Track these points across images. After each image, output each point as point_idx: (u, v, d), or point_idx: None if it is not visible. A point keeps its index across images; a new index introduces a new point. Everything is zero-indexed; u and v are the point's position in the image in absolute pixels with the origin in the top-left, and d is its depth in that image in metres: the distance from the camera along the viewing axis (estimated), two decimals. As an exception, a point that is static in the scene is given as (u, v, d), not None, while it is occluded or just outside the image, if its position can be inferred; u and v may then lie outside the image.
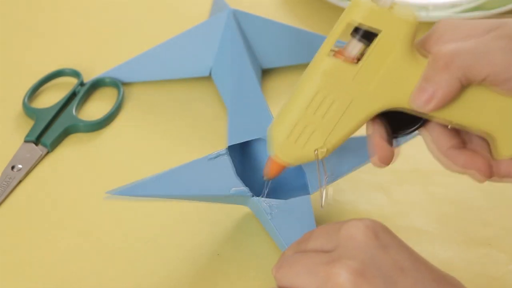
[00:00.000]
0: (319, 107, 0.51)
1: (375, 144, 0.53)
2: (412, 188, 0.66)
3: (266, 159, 0.60)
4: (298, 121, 0.52)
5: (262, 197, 0.59)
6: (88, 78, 0.76)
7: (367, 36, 0.50)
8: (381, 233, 0.47)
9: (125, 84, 0.75)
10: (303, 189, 0.60)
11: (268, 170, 0.55)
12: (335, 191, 0.65)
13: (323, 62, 0.51)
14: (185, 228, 0.63)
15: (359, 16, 0.49)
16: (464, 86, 0.49)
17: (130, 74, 0.76)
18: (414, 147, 0.67)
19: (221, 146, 0.68)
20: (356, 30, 0.50)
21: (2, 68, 0.78)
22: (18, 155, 0.68)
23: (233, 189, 0.58)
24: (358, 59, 0.50)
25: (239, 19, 0.75)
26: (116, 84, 0.75)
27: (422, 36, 0.52)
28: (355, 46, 0.50)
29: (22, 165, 0.67)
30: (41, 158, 0.68)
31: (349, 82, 0.50)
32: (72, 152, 0.70)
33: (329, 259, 0.46)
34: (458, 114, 0.51)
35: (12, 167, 0.67)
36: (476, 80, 0.49)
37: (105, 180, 0.67)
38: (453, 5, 0.83)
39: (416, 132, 0.54)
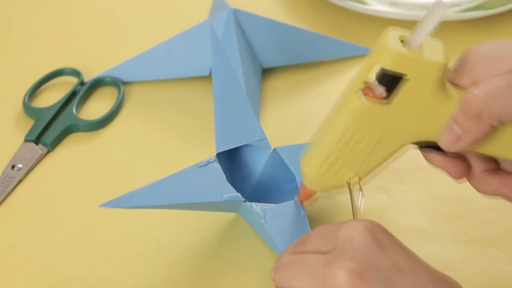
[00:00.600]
0: (349, 141, 0.52)
1: (443, 163, 0.52)
2: (412, 187, 0.66)
3: (257, 163, 0.62)
4: (329, 155, 0.52)
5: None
6: (88, 77, 0.76)
7: (394, 79, 0.49)
8: (379, 234, 0.47)
9: (125, 83, 0.75)
10: (294, 192, 0.60)
11: (303, 195, 0.57)
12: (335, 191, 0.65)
13: (352, 102, 0.51)
14: (185, 228, 0.63)
15: (386, 63, 0.49)
16: (495, 128, 0.49)
17: (130, 74, 0.76)
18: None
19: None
20: (382, 73, 0.49)
21: (2, 68, 0.78)
22: (18, 154, 0.68)
23: (226, 195, 0.58)
24: (391, 99, 0.50)
25: (239, 18, 0.75)
26: (116, 83, 0.75)
27: (453, 66, 0.51)
28: (382, 88, 0.50)
29: (22, 164, 0.67)
30: (41, 157, 0.68)
31: (379, 119, 0.51)
32: (73, 151, 0.70)
33: (327, 260, 0.46)
34: (488, 148, 0.51)
35: (12, 167, 0.67)
36: (509, 122, 0.48)
37: (105, 179, 0.67)
38: (453, 5, 0.83)
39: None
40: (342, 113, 0.51)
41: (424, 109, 0.50)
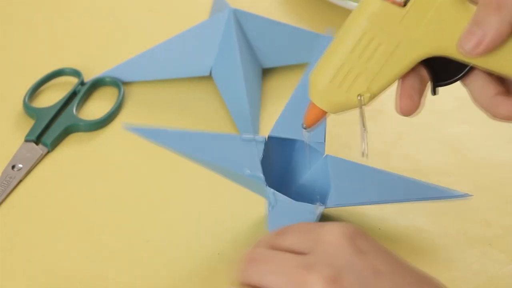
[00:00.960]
0: (364, 50, 0.50)
1: (403, 93, 0.51)
2: (412, 188, 0.66)
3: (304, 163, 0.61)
4: (342, 65, 0.50)
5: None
6: (88, 77, 0.76)
7: None
8: (357, 239, 0.47)
9: (125, 83, 0.75)
10: (322, 199, 0.59)
11: (308, 117, 0.53)
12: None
13: (370, 4, 0.49)
14: (185, 228, 0.63)
15: None
16: None
17: (130, 74, 0.76)
18: (414, 147, 0.67)
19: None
20: None
21: (2, 68, 0.78)
22: (19, 154, 0.68)
23: (248, 171, 0.58)
24: (406, 2, 0.49)
25: (239, 18, 0.75)
26: (117, 83, 0.75)
27: None
28: None
29: (22, 164, 0.67)
30: (42, 157, 0.68)
31: (396, 25, 0.49)
32: (73, 151, 0.70)
33: (304, 264, 0.45)
34: (505, 63, 0.50)
35: (13, 167, 0.67)
36: None
37: (105, 179, 0.67)
38: None
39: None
40: (359, 18, 0.50)
41: (442, 16, 0.49)
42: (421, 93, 0.52)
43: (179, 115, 0.73)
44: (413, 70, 0.51)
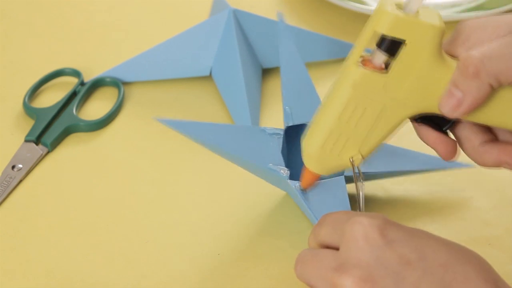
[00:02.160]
0: (351, 116, 0.51)
1: (435, 141, 0.52)
2: (412, 188, 0.66)
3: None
4: (331, 132, 0.52)
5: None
6: (88, 77, 0.76)
7: (394, 44, 0.49)
8: (383, 229, 0.47)
9: (125, 83, 0.75)
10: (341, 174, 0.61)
11: (304, 180, 0.56)
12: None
13: (352, 73, 0.50)
14: (185, 228, 0.63)
15: (385, 28, 0.49)
16: (494, 89, 0.49)
17: (130, 74, 0.76)
18: (414, 147, 0.67)
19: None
20: (382, 39, 0.50)
21: (2, 68, 0.78)
22: (19, 154, 0.68)
23: (271, 164, 0.59)
24: (387, 65, 0.50)
25: (239, 18, 0.75)
26: (117, 83, 0.75)
27: (448, 39, 0.51)
28: (382, 55, 0.50)
29: (22, 164, 0.67)
30: (42, 157, 0.68)
31: (379, 90, 0.50)
32: (73, 151, 0.70)
33: (337, 264, 0.47)
34: (488, 116, 0.51)
35: (13, 167, 0.67)
36: (507, 83, 0.49)
37: (105, 179, 0.67)
38: (453, 5, 0.83)
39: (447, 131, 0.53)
40: (342, 86, 0.51)
41: (423, 77, 0.50)
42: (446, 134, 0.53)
43: (179, 115, 0.73)
44: (420, 122, 0.53)
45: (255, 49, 0.75)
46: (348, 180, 0.61)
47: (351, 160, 0.52)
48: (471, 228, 0.63)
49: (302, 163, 0.56)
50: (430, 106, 0.51)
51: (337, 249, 0.48)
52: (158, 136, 0.71)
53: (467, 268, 0.46)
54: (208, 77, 0.75)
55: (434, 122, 0.52)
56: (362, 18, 0.81)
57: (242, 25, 0.75)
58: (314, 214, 0.58)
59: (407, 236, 0.48)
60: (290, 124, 0.62)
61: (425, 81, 0.50)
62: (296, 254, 0.60)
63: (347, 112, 0.51)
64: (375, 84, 0.50)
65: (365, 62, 0.50)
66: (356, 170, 0.53)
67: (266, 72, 0.77)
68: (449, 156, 0.53)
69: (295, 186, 0.59)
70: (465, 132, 0.53)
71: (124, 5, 0.86)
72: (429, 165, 0.63)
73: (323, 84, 0.76)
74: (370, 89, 0.50)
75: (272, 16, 0.78)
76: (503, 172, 0.68)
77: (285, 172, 0.59)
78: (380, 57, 0.50)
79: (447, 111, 0.50)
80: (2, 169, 0.67)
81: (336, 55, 0.78)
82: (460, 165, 0.63)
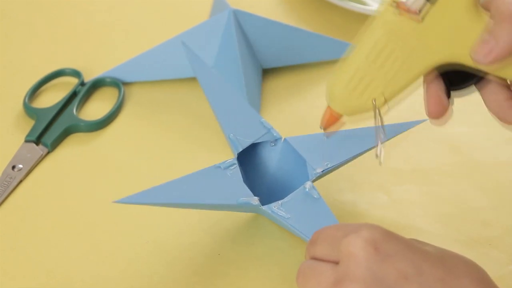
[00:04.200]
0: (378, 57, 0.52)
1: (430, 96, 0.53)
2: (412, 188, 0.66)
3: (271, 158, 0.62)
4: (357, 71, 0.52)
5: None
6: (88, 78, 0.76)
7: None
8: (380, 244, 0.47)
9: (125, 84, 0.75)
10: (305, 178, 0.61)
11: (325, 120, 0.55)
12: (335, 192, 0.65)
13: (387, 17, 0.51)
14: (185, 229, 0.63)
15: None
16: None
17: (130, 74, 0.76)
18: (414, 147, 0.67)
19: (222, 146, 0.68)
20: None
21: (2, 68, 0.78)
22: (19, 155, 0.68)
23: (242, 198, 0.58)
24: (420, 11, 0.51)
25: (239, 18, 0.75)
26: (117, 84, 0.75)
27: None
28: (419, 2, 0.51)
29: (22, 165, 0.67)
30: (42, 158, 0.68)
31: (410, 34, 0.51)
32: (73, 152, 0.70)
33: (335, 278, 0.47)
34: None
35: (13, 167, 0.67)
36: None
37: (105, 179, 0.67)
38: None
39: (472, 88, 0.53)
40: (374, 26, 0.52)
41: (456, 27, 0.50)
42: (448, 96, 0.53)
43: (179, 116, 0.73)
44: (436, 75, 0.52)
45: (255, 49, 0.75)
46: (318, 178, 0.61)
47: (373, 101, 0.53)
48: (471, 228, 0.63)
49: (262, 186, 0.57)
50: (460, 55, 0.51)
51: (335, 262, 0.48)
52: (158, 136, 0.71)
53: (465, 281, 0.46)
54: (208, 77, 0.75)
55: (448, 78, 0.52)
56: (362, 18, 0.81)
57: (242, 25, 0.75)
58: (301, 230, 0.57)
59: (404, 250, 0.47)
60: (240, 150, 0.62)
61: (458, 30, 0.50)
62: (296, 254, 0.60)
63: (376, 51, 0.52)
64: (407, 28, 0.51)
65: (399, 5, 0.51)
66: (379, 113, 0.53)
67: (266, 72, 0.77)
68: (435, 114, 0.53)
69: (271, 210, 0.58)
70: (490, 89, 0.52)
71: (124, 5, 0.86)
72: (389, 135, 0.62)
73: (323, 85, 0.76)
74: (401, 32, 0.51)
75: (272, 16, 0.78)
76: (503, 172, 0.68)
77: (255, 201, 0.58)
78: (417, 3, 0.50)
79: (479, 57, 0.50)
80: (2, 169, 0.67)
81: (336, 55, 0.77)
82: (414, 123, 0.64)
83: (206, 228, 0.63)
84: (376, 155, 0.54)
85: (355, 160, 0.63)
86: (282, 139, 0.63)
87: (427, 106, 0.53)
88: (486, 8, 0.51)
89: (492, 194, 0.66)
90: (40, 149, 0.69)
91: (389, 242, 0.47)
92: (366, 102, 0.53)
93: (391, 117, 0.55)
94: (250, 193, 0.58)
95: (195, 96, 0.74)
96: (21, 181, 0.66)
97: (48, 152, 0.69)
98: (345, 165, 0.62)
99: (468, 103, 0.54)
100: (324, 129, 0.56)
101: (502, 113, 0.52)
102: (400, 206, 0.65)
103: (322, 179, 0.62)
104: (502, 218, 0.64)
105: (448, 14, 0.50)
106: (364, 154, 0.62)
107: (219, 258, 0.61)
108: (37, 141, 0.69)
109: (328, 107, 0.55)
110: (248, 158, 0.63)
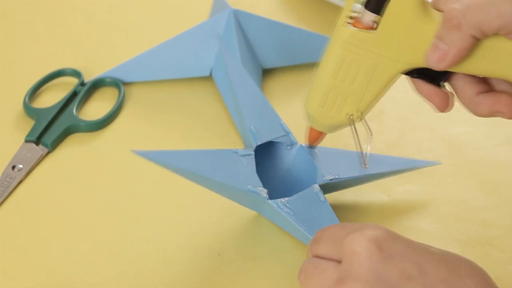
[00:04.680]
0: (346, 75, 0.54)
1: (429, 93, 0.54)
2: (412, 188, 0.66)
3: (284, 159, 0.63)
4: (329, 91, 0.54)
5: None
6: (88, 78, 0.76)
7: (379, 3, 0.52)
8: (384, 243, 0.47)
9: (125, 84, 0.75)
10: (313, 182, 0.61)
11: (309, 138, 0.59)
12: (336, 191, 0.65)
13: (342, 33, 0.53)
14: (185, 228, 0.63)
15: None
16: (478, 39, 0.51)
17: (130, 74, 0.76)
18: (414, 147, 0.67)
19: (222, 145, 0.68)
20: (368, 0, 0.52)
21: (2, 68, 0.78)
22: (19, 155, 0.68)
23: (250, 186, 0.59)
24: (376, 24, 0.52)
25: (239, 18, 0.75)
26: (117, 84, 0.75)
27: None
28: (370, 15, 0.52)
29: (22, 165, 0.67)
30: (42, 158, 0.68)
31: (370, 48, 0.53)
32: (73, 152, 0.70)
33: (338, 276, 0.47)
34: (477, 66, 0.52)
35: (13, 167, 0.67)
36: (489, 33, 0.50)
37: (105, 179, 0.67)
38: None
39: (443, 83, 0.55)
40: (334, 46, 0.53)
41: (410, 33, 0.52)
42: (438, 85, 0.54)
43: (179, 115, 0.73)
44: (415, 75, 0.54)
45: (255, 49, 0.75)
46: (325, 188, 0.61)
47: (350, 117, 0.55)
48: (471, 228, 0.63)
49: (270, 184, 0.59)
50: (420, 61, 0.53)
51: (338, 261, 0.48)
52: (158, 136, 0.71)
53: (468, 282, 0.46)
54: (208, 78, 0.75)
55: (429, 76, 0.54)
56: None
57: (242, 25, 0.75)
58: (305, 229, 0.58)
59: (407, 250, 0.47)
60: (259, 143, 0.62)
61: (412, 36, 0.52)
62: (297, 254, 0.60)
63: (341, 71, 0.54)
64: (364, 42, 0.53)
65: (355, 22, 0.53)
66: (366, 127, 0.56)
67: (266, 72, 0.77)
68: (443, 107, 0.54)
69: (277, 205, 0.59)
70: (460, 83, 0.54)
71: (124, 5, 0.86)
72: (397, 167, 0.64)
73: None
74: (360, 47, 0.53)
75: (272, 16, 0.78)
76: (503, 172, 0.68)
77: (264, 192, 0.59)
78: (369, 16, 0.52)
79: (433, 64, 0.52)
80: (2, 169, 0.67)
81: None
82: (429, 163, 0.66)
83: (206, 228, 0.63)
84: (364, 165, 0.59)
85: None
86: (298, 145, 0.63)
87: (434, 104, 0.54)
88: (437, 8, 0.52)
89: (492, 194, 0.66)
90: (40, 149, 0.69)
91: (393, 242, 0.47)
92: (343, 118, 0.55)
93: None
94: (260, 183, 0.59)
95: (195, 96, 0.74)
96: (21, 181, 0.66)
97: (48, 152, 0.69)
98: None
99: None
100: (310, 145, 0.61)
101: (474, 107, 0.54)
102: (400, 206, 0.65)
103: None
104: (502, 218, 0.64)
105: (399, 21, 0.52)
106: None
107: (219, 258, 0.61)
108: (37, 141, 0.69)
109: (310, 127, 0.58)
110: (262, 155, 0.63)
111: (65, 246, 0.61)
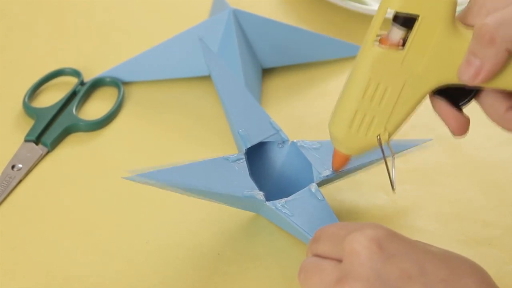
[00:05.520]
0: (374, 95, 0.52)
1: (448, 116, 0.53)
2: (412, 188, 0.66)
3: (277, 158, 0.62)
4: (356, 112, 0.53)
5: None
6: (88, 77, 0.76)
7: (408, 20, 0.51)
8: (384, 243, 0.47)
9: (125, 83, 0.75)
10: (310, 181, 0.61)
11: (335, 163, 0.57)
12: (336, 190, 0.65)
13: (370, 53, 0.51)
14: (185, 228, 0.63)
15: (397, 5, 0.50)
16: (511, 54, 0.50)
17: (130, 74, 0.76)
18: (414, 147, 0.67)
19: (222, 145, 0.68)
20: (396, 15, 0.51)
21: (2, 68, 0.78)
22: (19, 154, 0.68)
23: (246, 191, 0.58)
24: (404, 42, 0.51)
25: (239, 18, 0.75)
26: (117, 83, 0.75)
27: (463, 9, 0.52)
28: (398, 32, 0.51)
29: (22, 164, 0.67)
30: (42, 157, 0.68)
31: (398, 67, 0.51)
32: (73, 151, 0.70)
33: (338, 276, 0.47)
34: (508, 80, 0.51)
35: (12, 167, 0.67)
36: None
37: (105, 179, 0.67)
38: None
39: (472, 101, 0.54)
40: (362, 66, 0.52)
41: (440, 50, 0.51)
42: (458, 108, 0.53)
43: (179, 115, 0.73)
44: (438, 95, 0.53)
45: (255, 49, 0.75)
46: (321, 183, 0.61)
47: (378, 138, 0.53)
48: (471, 228, 0.63)
49: (266, 185, 0.58)
50: (450, 77, 0.51)
51: (338, 260, 0.48)
52: (158, 136, 0.71)
53: (468, 282, 0.46)
54: (208, 77, 0.75)
55: (452, 97, 0.53)
56: (362, 18, 0.82)
57: (242, 25, 0.75)
58: (304, 229, 0.58)
59: (408, 249, 0.47)
60: (248, 146, 0.62)
61: (442, 53, 0.51)
62: (296, 253, 0.60)
63: (370, 91, 0.52)
64: (393, 61, 0.51)
65: (382, 40, 0.51)
66: (387, 148, 0.54)
67: (266, 72, 0.77)
68: (459, 132, 0.54)
69: (275, 207, 0.59)
70: (488, 100, 0.53)
71: (124, 5, 0.86)
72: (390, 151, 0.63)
73: (324, 85, 0.77)
74: (389, 66, 0.51)
75: (272, 16, 0.78)
76: (503, 172, 0.68)
77: (260, 195, 0.59)
78: (397, 33, 0.51)
79: (467, 79, 0.51)
80: (2, 169, 0.67)
81: (336, 55, 0.78)
82: (421, 141, 0.65)
83: (206, 227, 0.63)
84: (392, 187, 0.56)
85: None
86: (290, 142, 0.63)
87: (450, 128, 0.54)
88: (465, 23, 0.51)
89: (492, 194, 0.66)
90: (39, 149, 0.69)
91: (393, 242, 0.47)
92: (371, 139, 0.54)
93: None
94: (256, 187, 0.59)
95: (195, 96, 0.74)
96: (20, 181, 0.66)
97: (48, 152, 0.69)
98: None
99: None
100: (336, 171, 0.59)
101: (506, 124, 0.53)
102: (400, 206, 0.65)
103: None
104: (502, 218, 0.64)
105: (428, 36, 0.51)
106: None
107: (219, 257, 0.61)
108: (37, 141, 0.69)
109: (336, 150, 0.56)
110: (254, 156, 0.63)
111: (65, 246, 0.61)
